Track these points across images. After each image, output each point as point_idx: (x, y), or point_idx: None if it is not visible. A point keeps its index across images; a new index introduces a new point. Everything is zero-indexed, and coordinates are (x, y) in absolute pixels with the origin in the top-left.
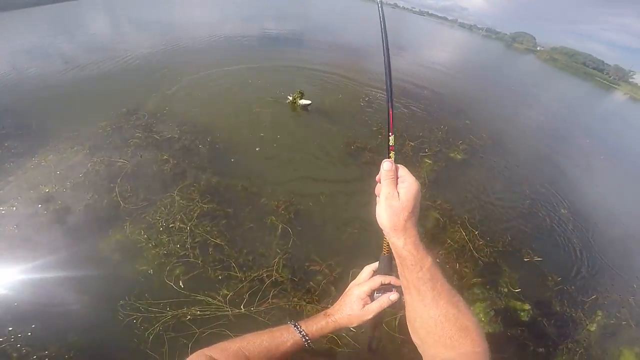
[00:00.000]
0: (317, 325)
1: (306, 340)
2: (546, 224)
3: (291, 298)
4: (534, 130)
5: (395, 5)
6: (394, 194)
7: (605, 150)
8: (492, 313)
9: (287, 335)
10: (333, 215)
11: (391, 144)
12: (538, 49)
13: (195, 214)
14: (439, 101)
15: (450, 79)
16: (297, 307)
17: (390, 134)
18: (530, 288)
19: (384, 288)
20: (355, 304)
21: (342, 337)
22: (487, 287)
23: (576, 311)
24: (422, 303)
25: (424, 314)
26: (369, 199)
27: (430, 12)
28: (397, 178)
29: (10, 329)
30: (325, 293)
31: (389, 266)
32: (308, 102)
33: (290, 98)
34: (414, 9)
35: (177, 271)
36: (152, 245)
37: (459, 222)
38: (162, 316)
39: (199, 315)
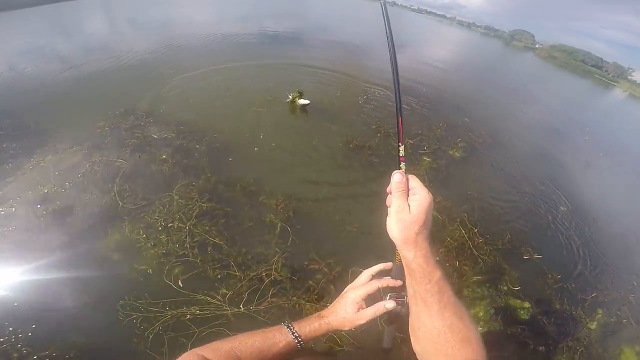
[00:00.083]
0: (311, 326)
1: (298, 342)
2: (545, 222)
3: (290, 297)
4: (533, 128)
5: (394, 3)
6: (405, 207)
7: (604, 147)
8: (492, 311)
9: (279, 336)
10: (332, 213)
11: (401, 154)
12: (537, 46)
13: (194, 213)
14: (437, 99)
15: (449, 76)
16: (297, 306)
17: (400, 144)
18: (530, 286)
19: (396, 291)
20: (349, 307)
21: (342, 336)
22: (487, 285)
23: (576, 309)
24: (428, 314)
25: (428, 324)
26: (369, 199)
27: (428, 10)
28: (408, 190)
29: (10, 329)
30: (324, 292)
31: (402, 274)
32: (307, 101)
33: (290, 97)
34: (412, 7)
35: (176, 270)
36: (151, 244)
37: (458, 220)
38: (162, 316)
39: (199, 314)
